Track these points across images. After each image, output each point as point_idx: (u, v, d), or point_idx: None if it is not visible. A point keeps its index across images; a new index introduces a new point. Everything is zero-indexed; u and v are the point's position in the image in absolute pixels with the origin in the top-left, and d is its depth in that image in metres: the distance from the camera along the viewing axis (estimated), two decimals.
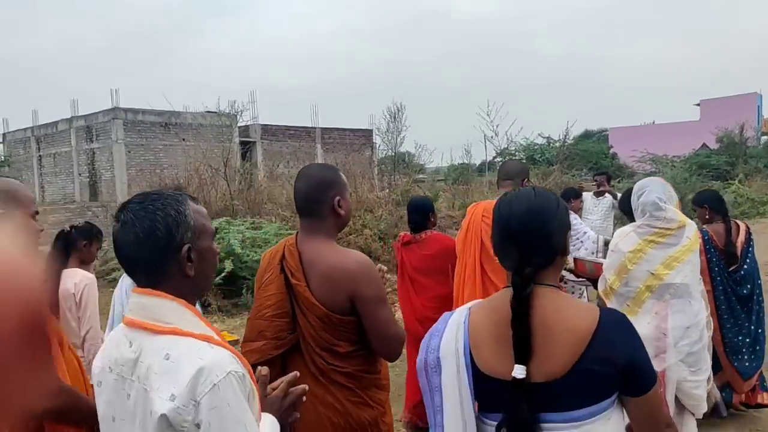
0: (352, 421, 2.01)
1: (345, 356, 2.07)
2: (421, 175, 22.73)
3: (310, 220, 2.21)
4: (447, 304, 3.65)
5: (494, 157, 35.09)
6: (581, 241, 3.67)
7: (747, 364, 4.03)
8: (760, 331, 4.10)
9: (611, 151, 35.52)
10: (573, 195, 6.32)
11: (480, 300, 1.68)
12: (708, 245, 3.98)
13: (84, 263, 3.39)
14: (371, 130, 23.54)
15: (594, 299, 3.88)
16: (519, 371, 1.38)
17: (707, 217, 4.22)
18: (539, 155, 30.14)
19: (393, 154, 15.93)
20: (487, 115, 14.55)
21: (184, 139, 19.65)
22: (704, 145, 35.22)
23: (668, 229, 3.09)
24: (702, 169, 28.14)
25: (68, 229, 3.36)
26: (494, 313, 1.50)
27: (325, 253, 2.12)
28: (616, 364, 1.37)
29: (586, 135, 46.86)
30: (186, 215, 1.40)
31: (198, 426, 1.23)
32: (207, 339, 1.34)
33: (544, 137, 33.75)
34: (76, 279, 3.15)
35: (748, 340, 4.05)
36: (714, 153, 32.81)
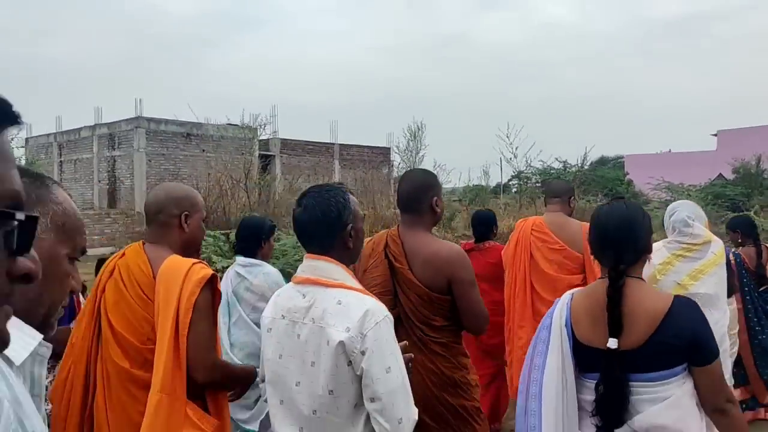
0: (447, 380, 2.40)
1: (440, 329, 2.46)
2: None
3: (411, 216, 2.59)
4: (501, 307, 3.94)
5: (509, 180, 35.24)
6: None
7: None
8: None
9: (627, 177, 35.46)
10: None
11: (580, 288, 2.15)
12: (739, 267, 4.24)
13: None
14: (389, 148, 23.73)
15: None
16: (613, 343, 1.81)
17: (740, 240, 4.52)
18: (556, 179, 30.16)
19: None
20: (507, 137, 14.66)
21: (204, 150, 19.91)
22: (720, 175, 35.14)
23: (695, 244, 3.34)
24: (717, 199, 28.05)
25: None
26: (591, 299, 1.94)
27: (426, 243, 2.52)
28: (683, 336, 1.78)
29: (602, 161, 46.84)
30: (350, 202, 1.86)
31: (363, 353, 1.67)
32: (364, 292, 1.82)
33: (560, 161, 33.82)
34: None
35: None
36: (730, 183, 32.74)
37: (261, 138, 21.58)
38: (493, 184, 39.84)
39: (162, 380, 1.95)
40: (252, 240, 3.45)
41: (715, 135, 45.14)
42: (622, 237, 1.90)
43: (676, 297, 1.88)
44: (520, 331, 3.60)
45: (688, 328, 1.79)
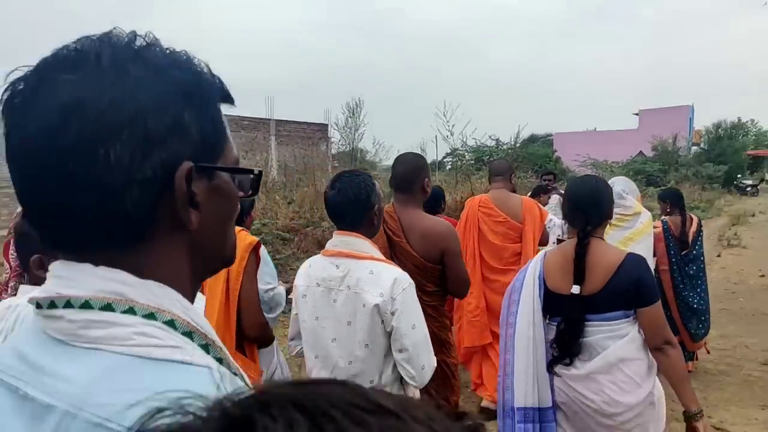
0: (435, 339, 2.56)
1: (431, 294, 2.81)
2: (375, 172, 23.08)
3: (405, 195, 2.91)
4: None
5: (444, 157, 35.85)
6: (549, 228, 4.26)
7: (695, 330, 4.89)
8: (703, 303, 4.95)
9: (555, 155, 36.76)
10: (542, 191, 7.11)
11: (553, 248, 2.68)
12: (666, 233, 4.78)
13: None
14: (327, 125, 23.65)
15: None
16: (576, 289, 2.24)
17: (668, 210, 5.05)
18: (488, 157, 30.98)
19: (350, 149, 16.07)
20: (444, 115, 15.01)
21: None
22: (641, 153, 36.99)
23: (626, 215, 3.86)
24: (638, 174, 29.63)
25: None
26: (562, 255, 2.37)
27: (420, 219, 2.87)
28: (631, 281, 2.18)
29: (532, 139, 48.26)
30: (376, 186, 2.19)
31: (393, 313, 2.03)
32: (389, 263, 2.19)
33: (493, 139, 34.71)
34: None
35: (698, 308, 4.90)
36: (649, 160, 34.50)
37: None
38: (429, 161, 40.31)
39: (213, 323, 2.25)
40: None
41: (637, 114, 47.21)
42: (590, 204, 2.33)
43: (629, 253, 2.32)
44: (470, 297, 3.92)
45: (636, 275, 2.19)
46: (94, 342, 0.60)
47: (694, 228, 4.90)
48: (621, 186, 4.03)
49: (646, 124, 42.64)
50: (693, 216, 5.05)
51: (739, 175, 36.72)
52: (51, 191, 0.62)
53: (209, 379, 0.59)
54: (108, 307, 0.61)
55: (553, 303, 2.34)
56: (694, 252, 4.90)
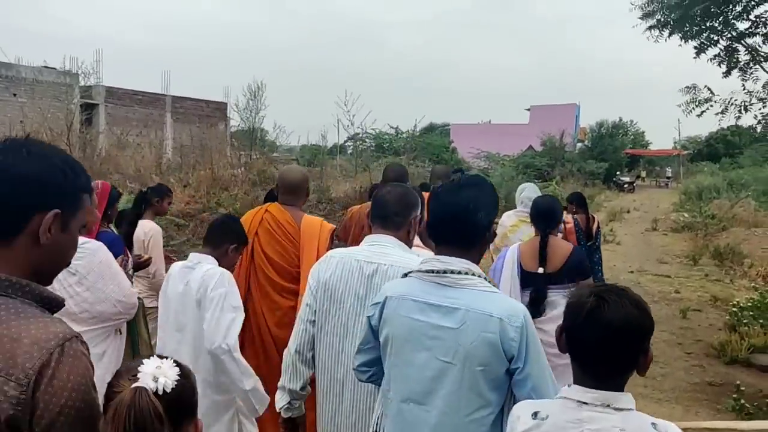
0: None
1: None
2: (275, 154, 22.75)
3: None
4: None
5: (345, 141, 35.90)
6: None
7: None
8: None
9: (452, 145, 37.88)
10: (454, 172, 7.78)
11: (526, 241, 3.88)
12: (576, 227, 5.43)
13: (158, 215, 4.57)
14: (226, 103, 23.02)
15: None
16: (540, 269, 3.49)
17: (574, 210, 5.78)
18: (387, 144, 31.45)
19: (251, 133, 15.79)
20: (345, 104, 15.12)
21: (16, 95, 17.82)
22: (530, 147, 38.94)
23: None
24: (527, 168, 31.23)
25: (144, 189, 4.49)
26: (531, 246, 3.60)
27: None
28: (576, 263, 3.49)
29: (431, 128, 49.49)
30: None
31: None
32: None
33: (392, 128, 35.24)
34: (146, 228, 4.02)
35: None
36: (538, 155, 36.34)
37: (83, 85, 19.78)
38: (330, 144, 40.29)
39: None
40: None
41: (528, 110, 49.63)
42: (549, 215, 3.65)
43: (574, 246, 3.74)
44: None
45: (579, 259, 3.55)
46: (463, 286, 1.69)
47: (595, 224, 5.84)
48: (530, 192, 5.02)
49: (536, 120, 44.89)
50: (594, 215, 6.04)
51: (618, 173, 39.66)
52: None
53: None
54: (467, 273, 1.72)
55: (525, 278, 3.54)
56: (597, 243, 5.75)
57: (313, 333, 2.24)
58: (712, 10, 5.61)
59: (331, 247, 3.23)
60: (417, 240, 3.51)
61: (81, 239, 2.70)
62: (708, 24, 5.74)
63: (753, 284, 9.49)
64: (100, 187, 3.36)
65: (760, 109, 5.89)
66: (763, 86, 5.74)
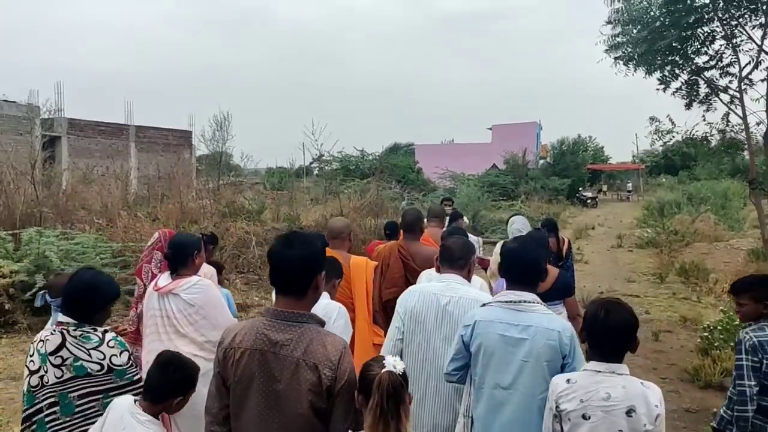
0: None
1: None
2: (240, 178, 22.57)
3: (411, 234, 4.64)
4: None
5: (311, 163, 35.83)
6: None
7: None
8: None
9: (417, 165, 38.18)
10: (459, 216, 8.22)
11: None
12: (549, 250, 5.79)
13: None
14: (191, 132, 22.80)
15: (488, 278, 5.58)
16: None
17: (547, 234, 6.00)
18: (354, 167, 31.54)
19: (218, 162, 15.64)
20: (312, 133, 15.11)
21: None
22: (494, 166, 39.59)
23: None
24: (492, 187, 31.62)
25: (201, 234, 5.13)
26: None
27: (420, 249, 4.54)
28: (563, 283, 4.18)
29: (395, 148, 49.92)
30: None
31: None
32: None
33: (358, 150, 35.37)
34: (205, 270, 4.19)
35: None
36: (502, 173, 36.92)
37: (44, 116, 19.33)
38: (296, 166, 40.09)
39: (363, 314, 4.02)
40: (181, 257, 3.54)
41: (490, 129, 50.43)
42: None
43: (560, 270, 4.37)
44: None
45: (564, 281, 4.22)
46: (532, 311, 2.60)
47: (566, 246, 6.41)
48: (520, 224, 5.64)
49: (498, 139, 45.67)
50: (565, 237, 6.67)
51: (580, 188, 40.49)
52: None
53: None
54: (533, 302, 2.65)
55: None
56: (568, 263, 6.25)
57: (401, 348, 3.02)
58: (674, 45, 5.84)
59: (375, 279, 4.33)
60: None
61: (195, 278, 3.48)
62: (670, 58, 5.97)
63: (719, 301, 9.77)
64: (167, 236, 3.84)
65: (719, 140, 6.15)
66: (722, 117, 5.99)
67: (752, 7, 5.49)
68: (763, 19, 5.56)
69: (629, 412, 2.24)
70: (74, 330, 2.63)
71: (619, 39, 6.11)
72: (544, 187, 34.15)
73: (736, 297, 3.34)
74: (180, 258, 3.44)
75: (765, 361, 3.01)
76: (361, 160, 33.50)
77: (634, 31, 5.88)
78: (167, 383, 2.40)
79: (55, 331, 2.65)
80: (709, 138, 6.22)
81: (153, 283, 3.50)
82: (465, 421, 2.76)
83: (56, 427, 2.57)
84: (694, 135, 6.26)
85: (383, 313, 4.31)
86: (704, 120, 6.14)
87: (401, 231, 4.79)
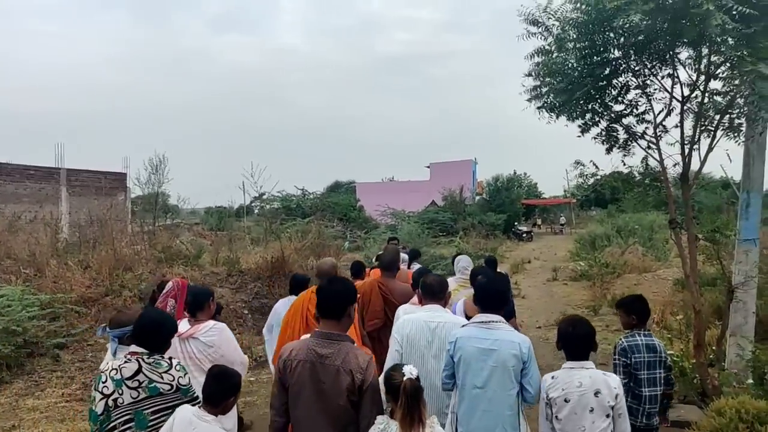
0: None
1: None
2: (177, 220, 22.04)
3: (390, 272, 5.51)
4: None
5: (251, 202, 35.44)
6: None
7: None
8: None
9: (359, 204, 38.39)
10: (418, 254, 9.35)
11: (468, 296, 4.92)
12: None
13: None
14: (125, 174, 22.18)
15: None
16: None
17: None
18: (295, 206, 31.44)
19: (153, 206, 15.26)
20: (251, 175, 14.97)
21: None
22: (433, 202, 40.27)
23: (467, 280, 5.89)
24: (432, 223, 32.11)
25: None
26: (472, 301, 4.06)
27: (397, 285, 5.31)
28: (507, 309, 3.93)
29: (336, 186, 50.16)
30: None
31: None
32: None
33: (299, 189, 35.34)
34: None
35: None
36: (441, 210, 37.58)
37: None
38: (236, 206, 39.51)
39: (356, 337, 4.02)
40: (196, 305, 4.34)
41: (428, 167, 51.45)
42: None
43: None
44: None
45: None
46: (499, 328, 3.45)
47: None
48: (465, 263, 6.29)
49: (436, 176, 46.59)
50: (504, 273, 7.19)
51: (516, 223, 41.62)
52: None
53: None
54: (499, 321, 3.50)
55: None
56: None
57: None
58: (592, 93, 6.22)
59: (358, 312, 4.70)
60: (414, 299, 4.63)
61: (211, 322, 4.21)
62: (590, 106, 6.34)
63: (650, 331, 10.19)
64: (180, 285, 4.43)
65: (640, 174, 6.56)
66: (641, 161, 6.39)
67: (661, 59, 5.95)
68: (671, 70, 6.01)
69: (596, 394, 3.20)
70: (147, 358, 3.19)
71: (540, 90, 6.45)
72: (482, 223, 34.89)
73: (618, 311, 4.34)
74: (198, 305, 4.28)
75: (632, 360, 3.98)
76: (303, 199, 33.50)
77: (555, 82, 6.21)
78: (221, 389, 3.03)
79: (130, 359, 3.18)
80: (632, 175, 6.61)
81: None
82: (452, 416, 3.53)
83: None
84: (618, 171, 6.64)
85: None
86: (624, 165, 6.51)
87: (380, 269, 5.64)
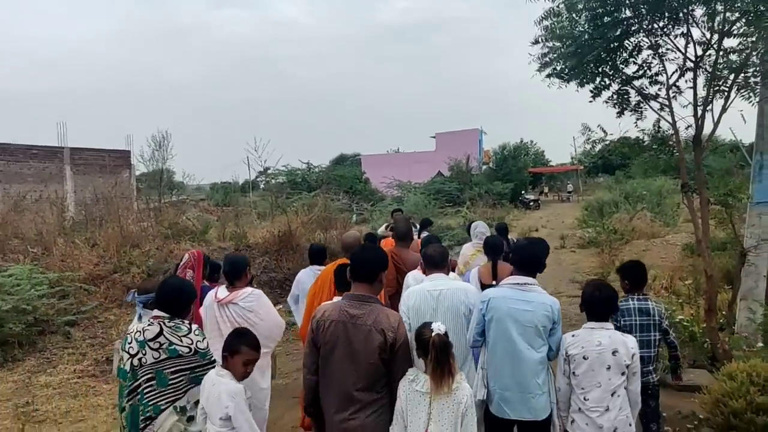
0: None
1: None
2: (183, 196, 22.00)
3: (403, 242, 5.63)
4: None
5: (257, 177, 35.37)
6: None
7: None
8: None
9: (365, 176, 38.22)
10: (429, 223, 9.38)
11: (483, 265, 5.42)
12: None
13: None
14: (129, 151, 22.06)
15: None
16: (494, 282, 4.80)
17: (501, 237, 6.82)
18: (300, 180, 31.33)
19: (158, 182, 15.17)
20: (255, 149, 14.77)
21: None
22: (439, 173, 40.02)
23: None
24: (438, 194, 31.99)
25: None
26: (486, 268, 5.24)
27: (409, 254, 5.43)
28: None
29: (341, 159, 49.91)
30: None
31: None
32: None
33: (304, 163, 35.16)
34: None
35: None
36: (447, 180, 37.37)
37: None
38: (241, 181, 39.40)
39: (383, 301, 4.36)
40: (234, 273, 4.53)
41: (434, 137, 51.02)
42: (497, 249, 5.28)
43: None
44: None
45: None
46: (533, 290, 3.56)
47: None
48: (482, 228, 6.56)
49: (442, 146, 46.20)
50: (514, 239, 7.70)
51: (523, 192, 41.38)
52: None
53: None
54: (533, 284, 3.62)
55: (484, 289, 4.40)
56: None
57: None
58: (603, 56, 6.04)
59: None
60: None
61: (248, 289, 4.45)
62: (600, 70, 6.17)
63: (658, 297, 10.14)
64: (196, 256, 4.77)
65: (650, 138, 6.41)
66: (653, 124, 6.23)
67: (674, 18, 5.75)
68: (685, 28, 5.81)
69: (614, 353, 3.40)
70: (169, 322, 3.37)
71: (549, 57, 6.27)
72: (489, 192, 34.73)
73: (619, 275, 4.55)
74: (235, 273, 4.48)
75: (622, 322, 4.19)
76: (308, 173, 33.34)
77: (564, 46, 6.04)
78: (241, 341, 3.20)
79: (153, 322, 3.37)
80: (641, 140, 6.45)
81: (213, 294, 4.45)
82: (482, 372, 3.71)
83: (152, 397, 3.29)
84: (626, 137, 6.48)
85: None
86: (636, 127, 6.36)
87: (394, 239, 5.86)
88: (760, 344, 6.18)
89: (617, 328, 4.01)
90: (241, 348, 3.18)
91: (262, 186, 37.44)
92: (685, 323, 6.76)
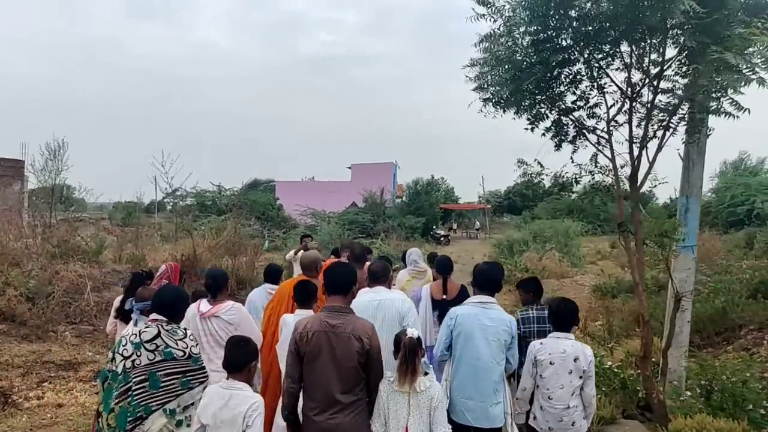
0: None
1: None
2: (83, 214, 20.21)
3: (358, 264, 5.55)
4: None
5: (164, 198, 33.53)
6: None
7: None
8: None
9: (278, 202, 37.26)
10: (368, 251, 8.65)
11: (431, 283, 6.01)
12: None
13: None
14: (23, 161, 19.96)
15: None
16: (444, 296, 5.58)
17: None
18: (210, 202, 29.95)
19: (50, 196, 13.66)
20: (162, 165, 13.63)
21: None
22: (354, 204, 39.73)
23: (419, 271, 6.70)
24: (352, 224, 31.64)
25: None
26: (437, 284, 5.76)
27: (362, 274, 4.94)
28: (464, 292, 5.35)
29: (255, 184, 48.51)
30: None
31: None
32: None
33: (215, 185, 33.75)
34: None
35: None
36: (361, 211, 37.14)
37: None
38: (147, 201, 37.24)
39: None
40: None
41: (350, 168, 50.91)
42: (446, 267, 5.78)
43: (462, 285, 5.57)
44: None
45: (464, 291, 5.30)
46: (493, 308, 4.07)
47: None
48: (415, 256, 6.78)
49: (357, 177, 46.11)
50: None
51: (434, 227, 41.82)
52: None
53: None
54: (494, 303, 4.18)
55: (435, 303, 5.58)
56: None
57: None
58: (541, 84, 5.85)
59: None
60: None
61: (230, 302, 4.63)
62: (538, 98, 5.98)
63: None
64: (173, 268, 5.07)
65: (589, 180, 6.22)
66: (590, 158, 6.08)
67: (612, 52, 5.65)
68: (621, 64, 5.74)
69: (575, 359, 3.90)
70: (166, 325, 3.55)
71: (487, 79, 6.03)
72: (401, 225, 34.74)
73: (518, 290, 5.09)
74: (217, 286, 4.65)
75: (522, 330, 4.57)
76: (218, 196, 31.99)
77: (502, 71, 5.81)
78: (243, 353, 3.29)
79: (150, 325, 3.53)
80: (578, 179, 6.24)
81: (195, 307, 4.54)
82: (445, 384, 4.02)
83: (145, 397, 3.37)
84: (563, 176, 6.26)
85: None
86: (572, 161, 6.18)
87: (349, 259, 5.74)
88: (688, 393, 6.06)
89: (521, 337, 4.50)
90: (255, 358, 3.36)
91: (169, 208, 35.59)
92: (615, 370, 6.56)
